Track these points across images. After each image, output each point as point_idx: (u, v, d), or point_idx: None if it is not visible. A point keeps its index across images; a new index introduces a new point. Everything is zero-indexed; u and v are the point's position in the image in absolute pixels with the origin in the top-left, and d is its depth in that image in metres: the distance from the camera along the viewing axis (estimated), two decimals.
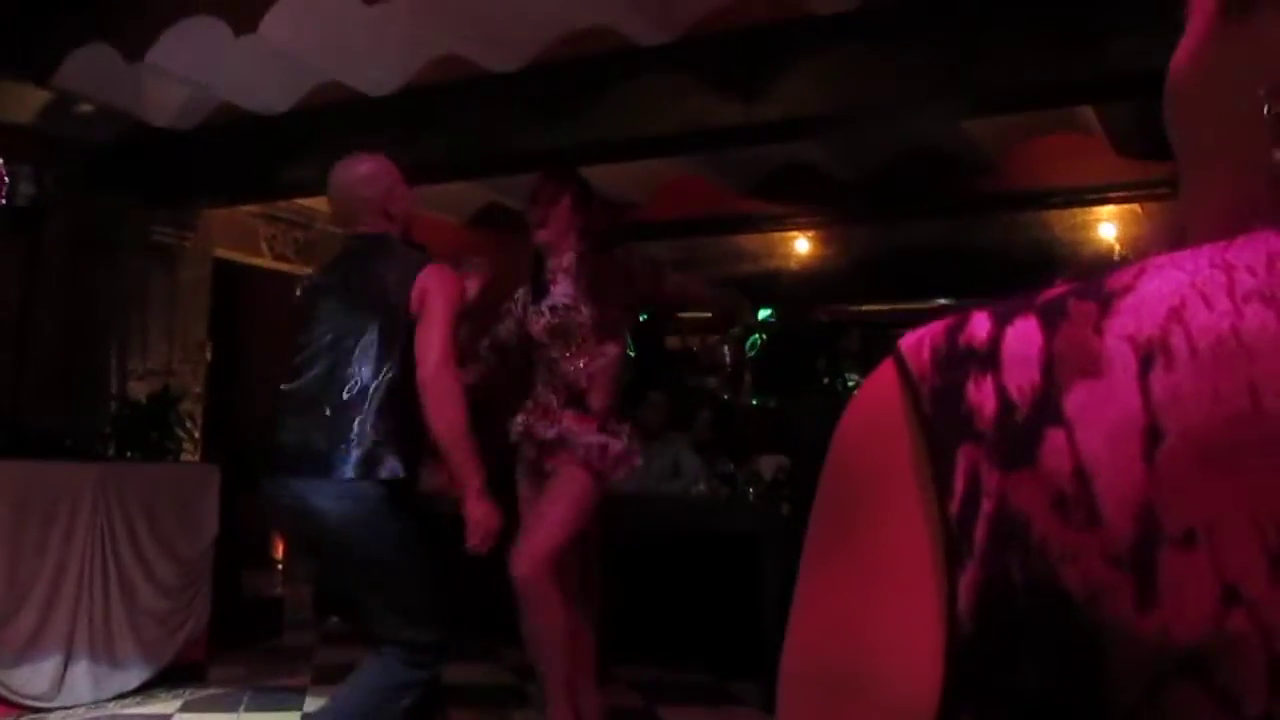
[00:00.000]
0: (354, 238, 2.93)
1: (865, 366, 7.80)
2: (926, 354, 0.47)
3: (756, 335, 8.20)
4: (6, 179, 4.26)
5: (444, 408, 2.62)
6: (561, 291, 3.28)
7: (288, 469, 2.67)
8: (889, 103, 4.01)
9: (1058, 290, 0.46)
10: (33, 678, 3.83)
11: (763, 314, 8.14)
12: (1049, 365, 0.43)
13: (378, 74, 4.49)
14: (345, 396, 2.65)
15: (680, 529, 4.94)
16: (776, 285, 7.17)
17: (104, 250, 5.38)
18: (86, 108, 5.01)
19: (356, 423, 2.62)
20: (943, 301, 7.56)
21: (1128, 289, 0.45)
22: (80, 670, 3.97)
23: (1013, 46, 3.56)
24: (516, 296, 3.46)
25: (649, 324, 8.54)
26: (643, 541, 5.01)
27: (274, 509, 2.80)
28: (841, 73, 3.94)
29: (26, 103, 4.95)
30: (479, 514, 2.69)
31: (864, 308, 7.62)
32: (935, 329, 0.48)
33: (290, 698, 4.17)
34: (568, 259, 3.31)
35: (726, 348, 8.36)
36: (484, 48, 4.09)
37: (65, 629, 3.95)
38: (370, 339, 2.68)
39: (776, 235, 6.83)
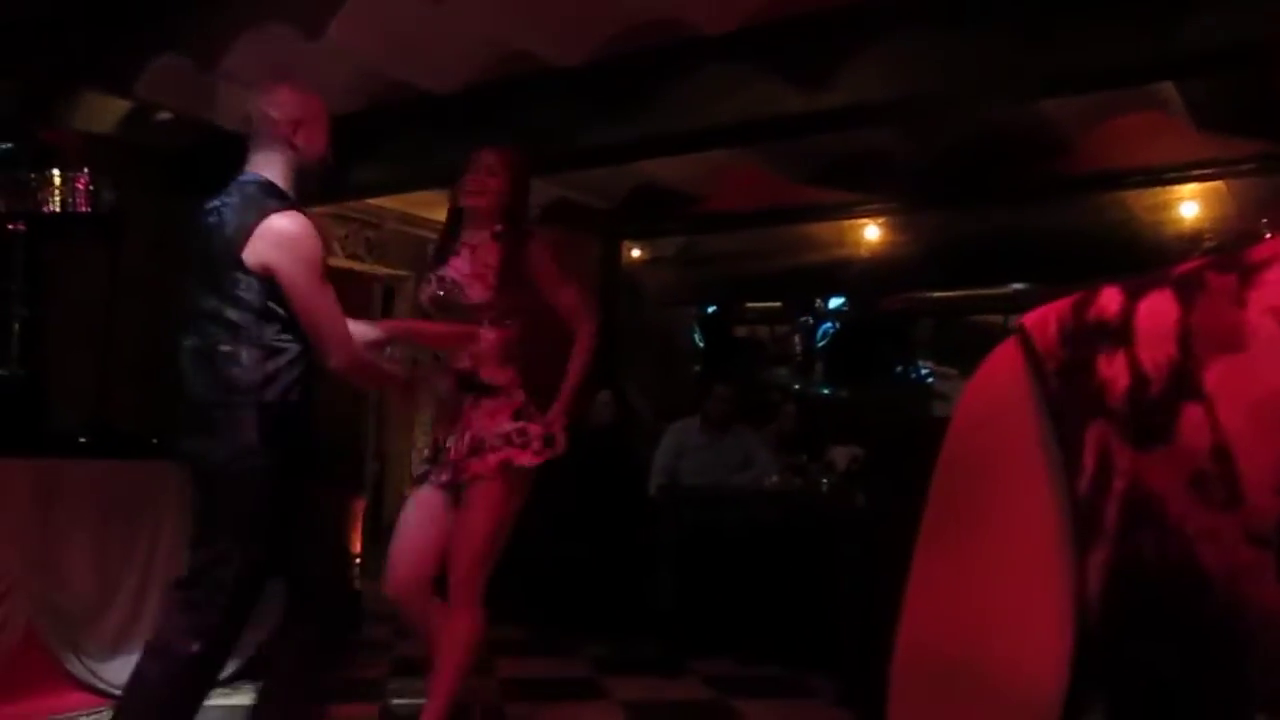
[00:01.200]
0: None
1: (937, 355, 7.68)
2: (1053, 330, 0.45)
3: (828, 324, 8.13)
4: (91, 187, 4.38)
5: None
6: (459, 266, 3.11)
7: None
8: (958, 88, 3.93)
9: (1192, 264, 0.44)
10: (124, 670, 3.93)
11: (834, 303, 8.06)
12: (1186, 339, 0.41)
13: (442, 72, 4.53)
14: None
15: (753, 521, 4.91)
16: (846, 274, 7.08)
17: (183, 254, 5.51)
18: (165, 116, 5.14)
19: None
20: (1018, 287, 7.41)
21: (1272, 260, 0.42)
22: None
23: (1085, 26, 3.45)
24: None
25: (716, 315, 8.52)
26: (714, 535, 5.00)
27: None
28: (908, 58, 3.87)
29: (108, 113, 5.10)
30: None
31: (936, 295, 7.48)
32: (1061, 305, 0.47)
33: (370, 689, 4.24)
34: (479, 236, 3.13)
35: (797, 337, 8.30)
36: (547, 42, 4.09)
37: (152, 625, 4.06)
38: None
39: (845, 223, 6.75)
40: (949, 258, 6.74)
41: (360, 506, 7.60)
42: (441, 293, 3.10)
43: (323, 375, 2.65)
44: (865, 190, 6.15)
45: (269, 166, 2.60)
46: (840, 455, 5.13)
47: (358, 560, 7.66)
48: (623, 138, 4.22)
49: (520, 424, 3.01)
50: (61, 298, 4.82)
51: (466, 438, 3.00)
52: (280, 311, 2.48)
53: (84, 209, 4.40)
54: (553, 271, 3.19)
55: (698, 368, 8.20)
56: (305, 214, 2.52)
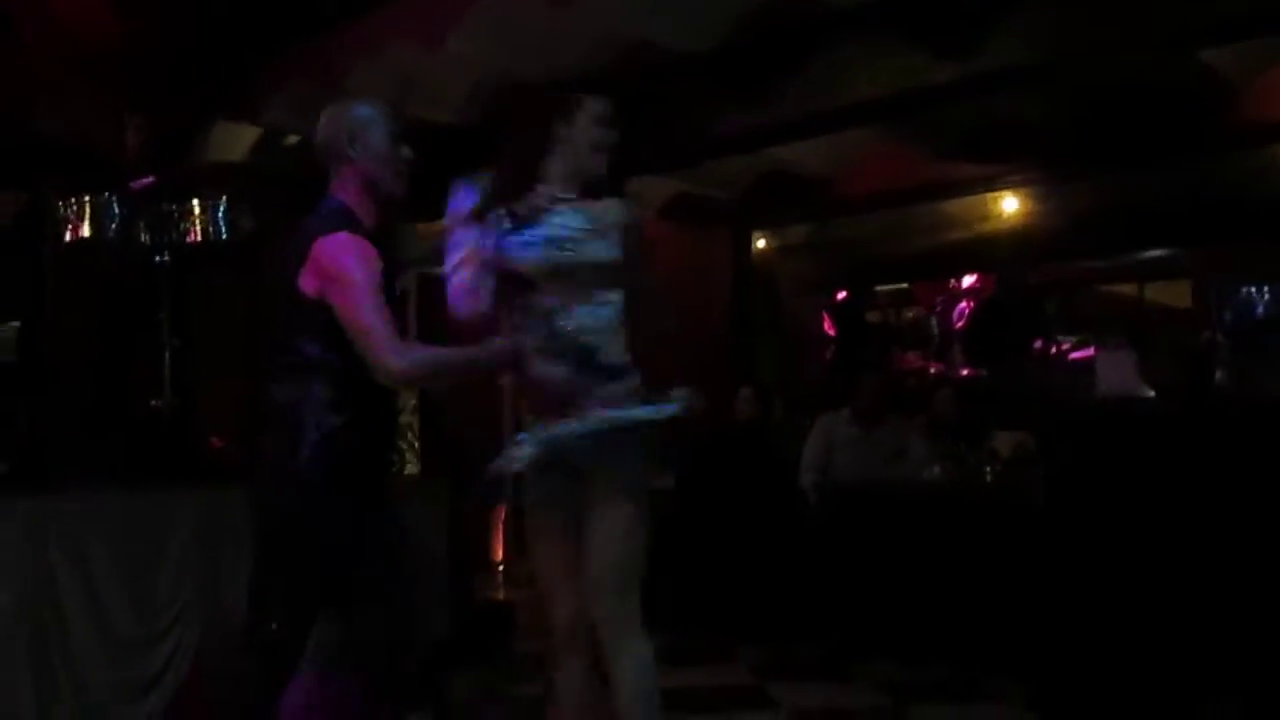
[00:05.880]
0: None
1: (1076, 329, 7.28)
2: None
3: (964, 304, 7.80)
4: (229, 215, 4.44)
5: None
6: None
7: None
8: (1115, 40, 3.65)
9: None
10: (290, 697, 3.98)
11: (971, 281, 7.69)
12: None
13: (564, 71, 4.43)
14: None
15: (913, 516, 4.68)
16: (990, 251, 6.76)
17: None
18: (294, 139, 5.20)
19: None
20: (1164, 253, 6.97)
21: None
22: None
23: None
24: None
25: (848, 301, 8.26)
26: (873, 531, 4.79)
27: None
28: (1059, 13, 3.61)
29: (240, 141, 5.19)
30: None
31: (1086, 264, 7.09)
32: None
33: (532, 706, 4.17)
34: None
35: (934, 320, 7.98)
36: (674, 31, 3.96)
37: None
38: None
39: (987, 197, 6.43)
40: (1100, 226, 6.36)
41: (501, 514, 7.64)
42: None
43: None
44: (1007, 161, 5.84)
45: (342, 188, 2.52)
46: (1004, 442, 4.85)
47: (500, 569, 7.70)
48: (760, 121, 4.05)
49: None
50: (208, 326, 4.91)
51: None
52: (341, 339, 2.37)
53: (224, 237, 4.45)
54: None
55: (833, 357, 7.97)
56: (358, 234, 2.39)
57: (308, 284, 2.36)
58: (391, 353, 2.31)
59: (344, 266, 2.34)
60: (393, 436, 2.68)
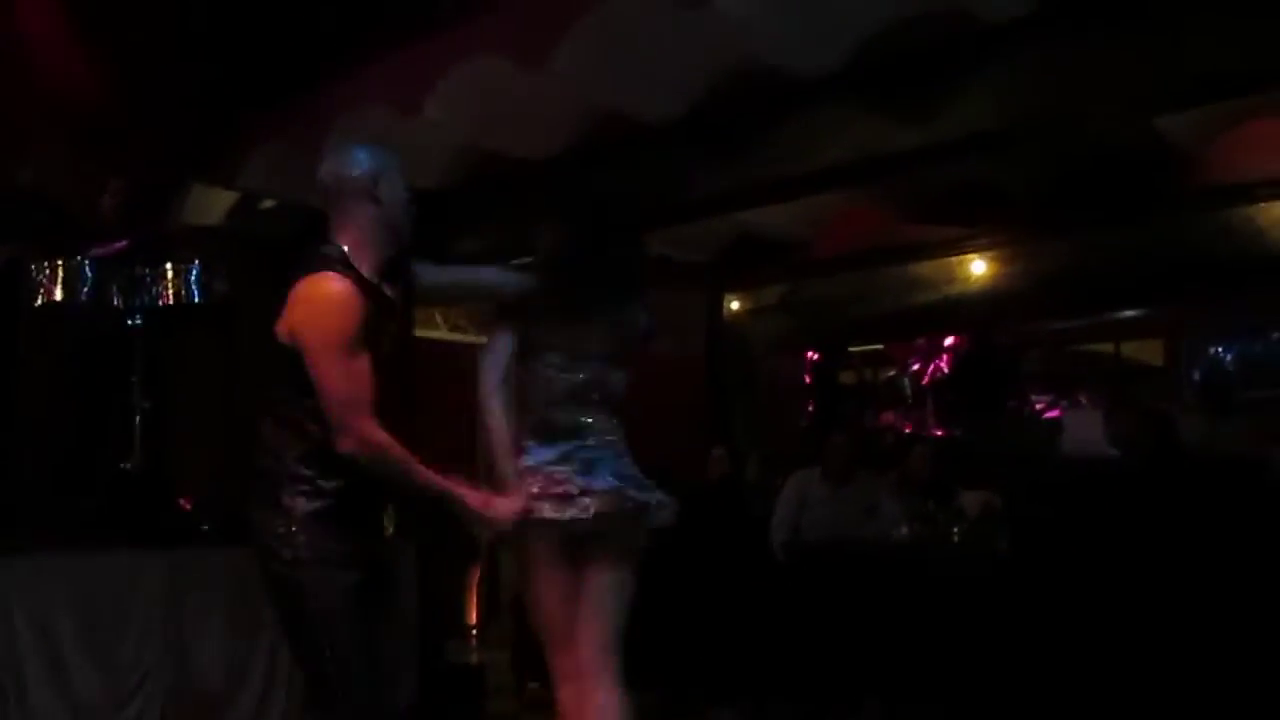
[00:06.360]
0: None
1: (1049, 389, 7.37)
2: None
3: (937, 364, 7.89)
4: (203, 278, 4.46)
5: None
6: None
7: None
8: (1079, 106, 3.75)
9: None
10: None
11: (943, 341, 7.78)
12: None
13: (539, 140, 4.51)
14: None
15: (883, 575, 4.68)
16: (961, 311, 6.86)
17: None
18: (269, 203, 5.24)
19: None
20: (1135, 313, 7.09)
21: None
22: None
23: (1215, 28, 3.25)
24: None
25: (821, 361, 8.33)
26: (843, 590, 4.79)
27: None
28: (1022, 81, 3.70)
29: (215, 205, 5.22)
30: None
31: (1054, 325, 7.21)
32: None
33: None
34: None
35: (907, 380, 8.06)
36: (645, 99, 4.04)
37: (283, 706, 4.03)
38: None
39: (954, 260, 6.56)
40: (1066, 286, 6.48)
41: (475, 574, 7.57)
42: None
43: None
44: (973, 224, 5.95)
45: (346, 231, 2.43)
46: (971, 501, 4.88)
47: (474, 632, 7.62)
48: (730, 185, 4.12)
49: None
50: (180, 388, 4.90)
51: None
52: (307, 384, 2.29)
53: (197, 300, 4.47)
54: None
55: (807, 416, 8.02)
56: (347, 278, 2.31)
57: (282, 328, 2.32)
58: (343, 425, 2.25)
59: (313, 313, 2.27)
60: (377, 495, 2.51)
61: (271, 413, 2.37)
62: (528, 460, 2.63)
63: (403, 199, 2.50)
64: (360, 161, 2.47)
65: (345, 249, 2.40)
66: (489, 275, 2.89)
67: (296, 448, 2.33)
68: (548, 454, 2.64)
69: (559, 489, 2.58)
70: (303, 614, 2.30)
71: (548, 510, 2.56)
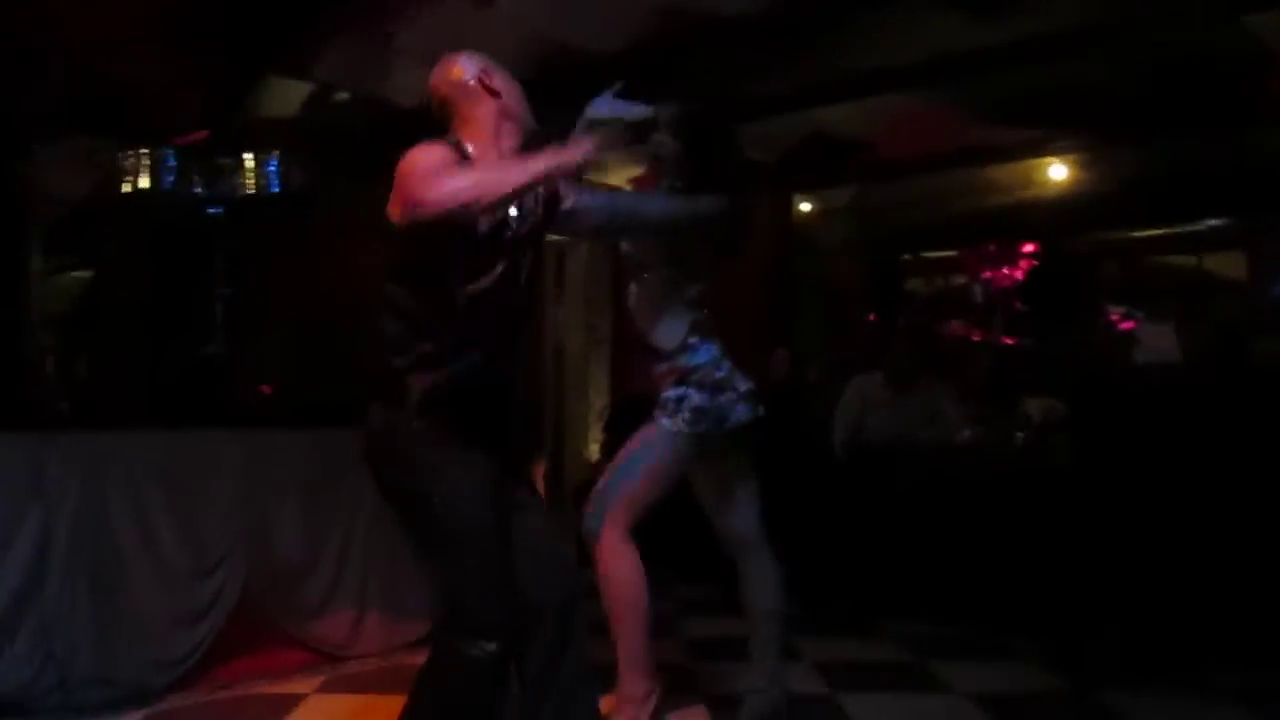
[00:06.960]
0: None
1: (1125, 300, 7.21)
2: None
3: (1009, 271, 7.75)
4: (281, 169, 4.55)
5: None
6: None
7: None
8: (1163, 3, 3.62)
9: None
10: (330, 629, 4.12)
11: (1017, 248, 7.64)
12: None
13: (608, 32, 4.48)
14: None
15: (943, 478, 4.72)
16: (1031, 219, 6.71)
17: (371, 233, 5.70)
18: (344, 96, 5.30)
19: None
20: (1218, 224, 6.87)
21: None
22: (372, 621, 4.23)
23: None
24: None
25: (886, 266, 8.25)
26: (902, 493, 4.84)
27: None
28: None
29: (291, 97, 5.29)
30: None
31: (1133, 234, 7.02)
32: None
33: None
34: None
35: (977, 287, 7.95)
36: None
37: (357, 583, 4.22)
38: None
39: (1031, 163, 6.38)
40: (1147, 194, 6.30)
41: (540, 471, 7.76)
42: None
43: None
44: (1053, 126, 5.78)
45: (469, 126, 2.42)
46: (1035, 408, 4.86)
47: None
48: (800, 83, 4.07)
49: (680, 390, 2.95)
50: (259, 276, 5.05)
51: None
52: (421, 268, 2.30)
53: (276, 190, 4.57)
54: None
55: (872, 321, 7.97)
56: (443, 146, 2.28)
57: (391, 208, 2.25)
58: (420, 189, 2.13)
59: (408, 162, 2.21)
60: (502, 399, 2.42)
61: (391, 307, 2.35)
62: (696, 358, 2.91)
63: (516, 85, 2.54)
64: (465, 63, 2.52)
65: (470, 148, 2.39)
66: (653, 205, 2.97)
67: (416, 344, 2.32)
68: (713, 351, 2.94)
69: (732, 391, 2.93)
70: (429, 501, 2.27)
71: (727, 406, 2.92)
